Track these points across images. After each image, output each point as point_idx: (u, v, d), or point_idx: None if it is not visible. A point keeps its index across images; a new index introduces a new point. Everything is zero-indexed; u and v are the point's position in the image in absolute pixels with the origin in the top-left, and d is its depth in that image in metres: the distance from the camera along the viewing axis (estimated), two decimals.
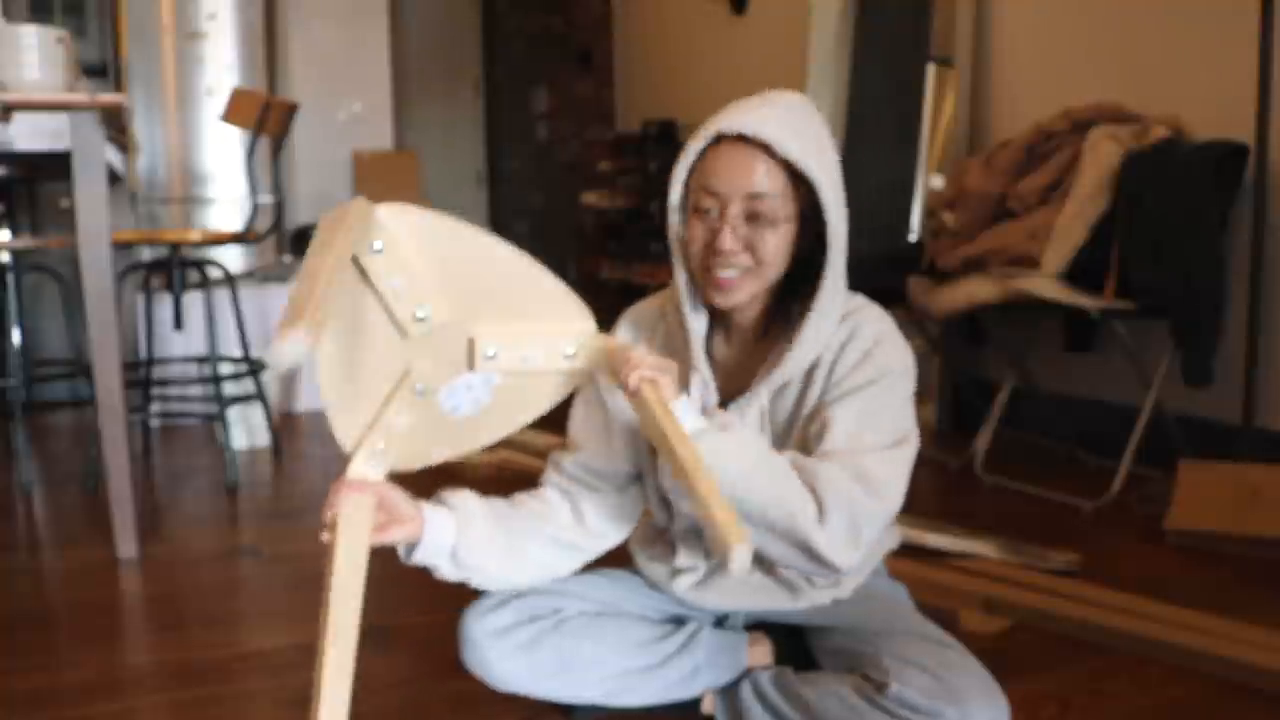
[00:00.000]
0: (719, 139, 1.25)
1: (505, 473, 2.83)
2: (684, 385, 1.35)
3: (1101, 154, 2.54)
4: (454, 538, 1.33)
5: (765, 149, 1.22)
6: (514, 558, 1.37)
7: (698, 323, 1.35)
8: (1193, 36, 2.72)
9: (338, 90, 5.33)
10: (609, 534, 1.44)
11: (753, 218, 1.24)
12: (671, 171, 1.31)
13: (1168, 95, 2.74)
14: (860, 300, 1.36)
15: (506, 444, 2.39)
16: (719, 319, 1.38)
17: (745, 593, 1.43)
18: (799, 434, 1.32)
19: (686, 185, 1.29)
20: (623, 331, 1.44)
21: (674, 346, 1.39)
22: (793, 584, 1.40)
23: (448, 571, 1.36)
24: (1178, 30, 2.76)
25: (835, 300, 1.29)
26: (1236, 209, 2.57)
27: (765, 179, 1.23)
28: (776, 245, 1.25)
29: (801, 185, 1.25)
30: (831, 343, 1.31)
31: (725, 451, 1.19)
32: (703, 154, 1.27)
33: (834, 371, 1.31)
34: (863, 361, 1.30)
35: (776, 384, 1.32)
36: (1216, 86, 2.64)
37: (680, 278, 1.33)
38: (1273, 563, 2.11)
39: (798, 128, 1.24)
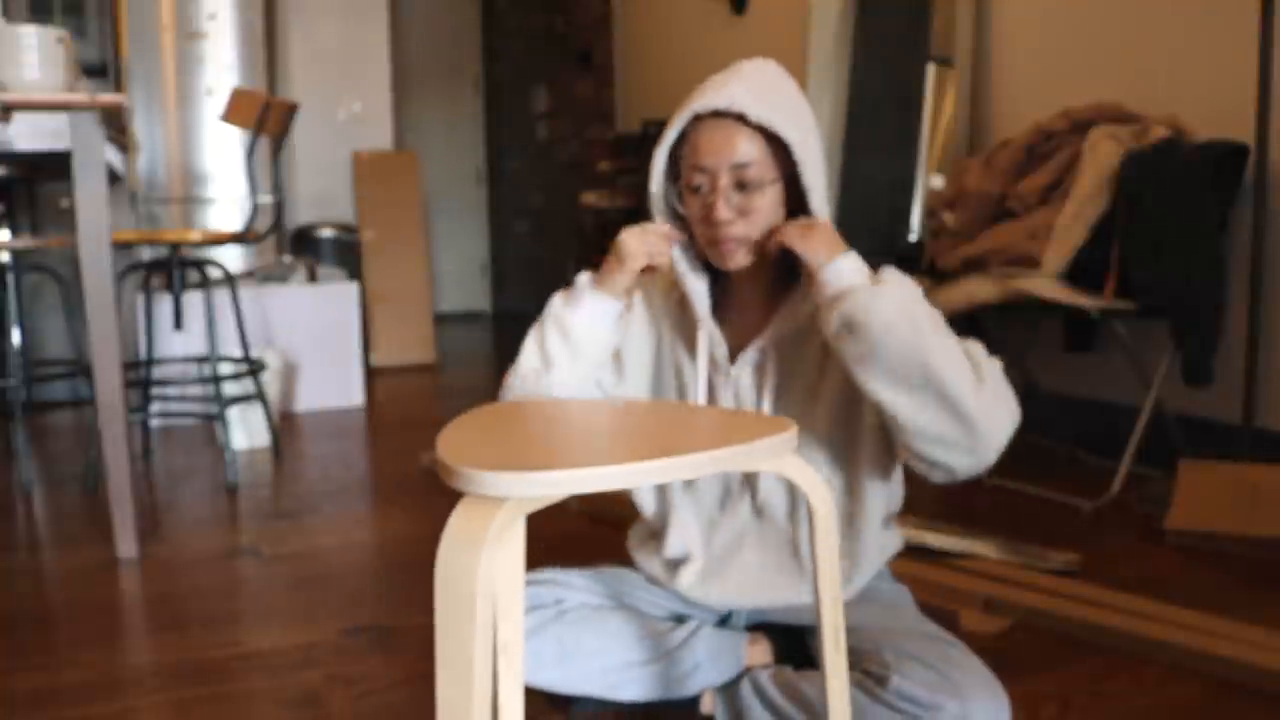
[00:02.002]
0: (697, 117, 1.33)
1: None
2: (692, 342, 1.42)
3: (1101, 154, 2.54)
4: (603, 325, 1.37)
5: (740, 118, 1.30)
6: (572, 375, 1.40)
7: (697, 283, 1.40)
8: (1193, 36, 2.72)
9: (338, 90, 5.33)
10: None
11: (741, 185, 1.31)
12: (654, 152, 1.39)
13: (1168, 95, 2.74)
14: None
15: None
16: (727, 289, 1.43)
17: (749, 585, 1.43)
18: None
19: (677, 164, 1.36)
20: (637, 296, 1.48)
21: (685, 310, 1.45)
22: (801, 569, 1.40)
23: (555, 338, 1.37)
24: (1178, 30, 2.76)
25: None
26: (1236, 209, 2.57)
27: (746, 147, 1.30)
28: (767, 207, 1.32)
29: (779, 146, 1.31)
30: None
31: (872, 309, 1.22)
32: (686, 134, 1.34)
33: None
34: None
35: (783, 331, 1.37)
36: (1216, 86, 2.64)
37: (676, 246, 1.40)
38: (1273, 563, 2.11)
39: (765, 92, 1.31)
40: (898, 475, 1.43)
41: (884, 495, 1.42)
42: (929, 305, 1.27)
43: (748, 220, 1.32)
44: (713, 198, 1.32)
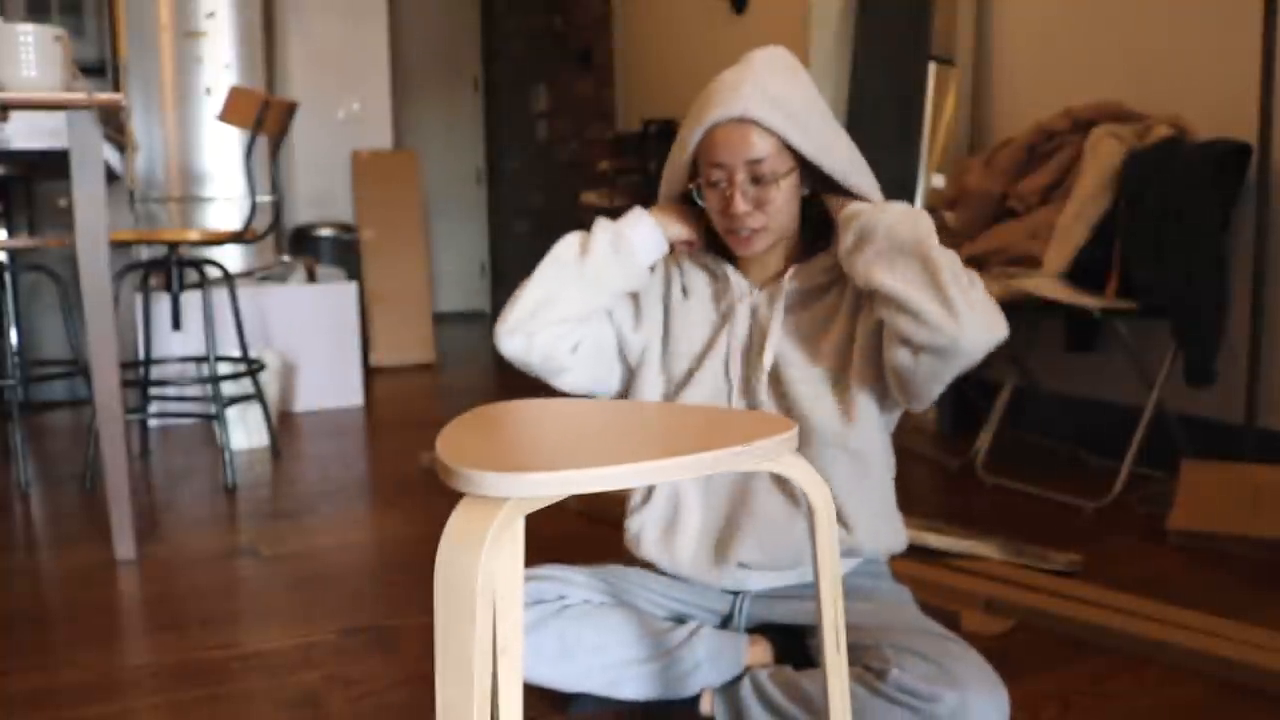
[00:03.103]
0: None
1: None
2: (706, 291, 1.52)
3: (1103, 153, 2.54)
4: (648, 253, 1.46)
5: (751, 120, 1.38)
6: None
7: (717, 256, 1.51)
8: (1195, 35, 2.72)
9: (337, 89, 5.32)
10: (572, 366, 1.48)
11: (756, 179, 1.40)
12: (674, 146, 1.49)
13: (1170, 94, 2.73)
14: None
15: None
16: (740, 268, 1.51)
17: (753, 548, 1.43)
18: (861, 324, 1.42)
19: (695, 161, 1.45)
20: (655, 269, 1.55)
21: (698, 270, 1.53)
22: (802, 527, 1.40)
23: (604, 241, 1.44)
24: (1180, 29, 2.76)
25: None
26: (1239, 208, 2.56)
27: (760, 144, 1.39)
28: (782, 198, 1.41)
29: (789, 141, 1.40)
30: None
31: (880, 218, 1.32)
32: (702, 135, 1.42)
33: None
34: None
35: (794, 287, 1.45)
36: (1219, 85, 2.64)
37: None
38: (1275, 564, 2.11)
39: (776, 92, 1.39)
40: (888, 443, 1.49)
41: (881, 442, 1.46)
42: (930, 221, 1.34)
43: (764, 211, 1.41)
44: (730, 191, 1.40)
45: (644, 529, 1.50)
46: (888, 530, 1.49)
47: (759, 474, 1.45)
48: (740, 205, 1.40)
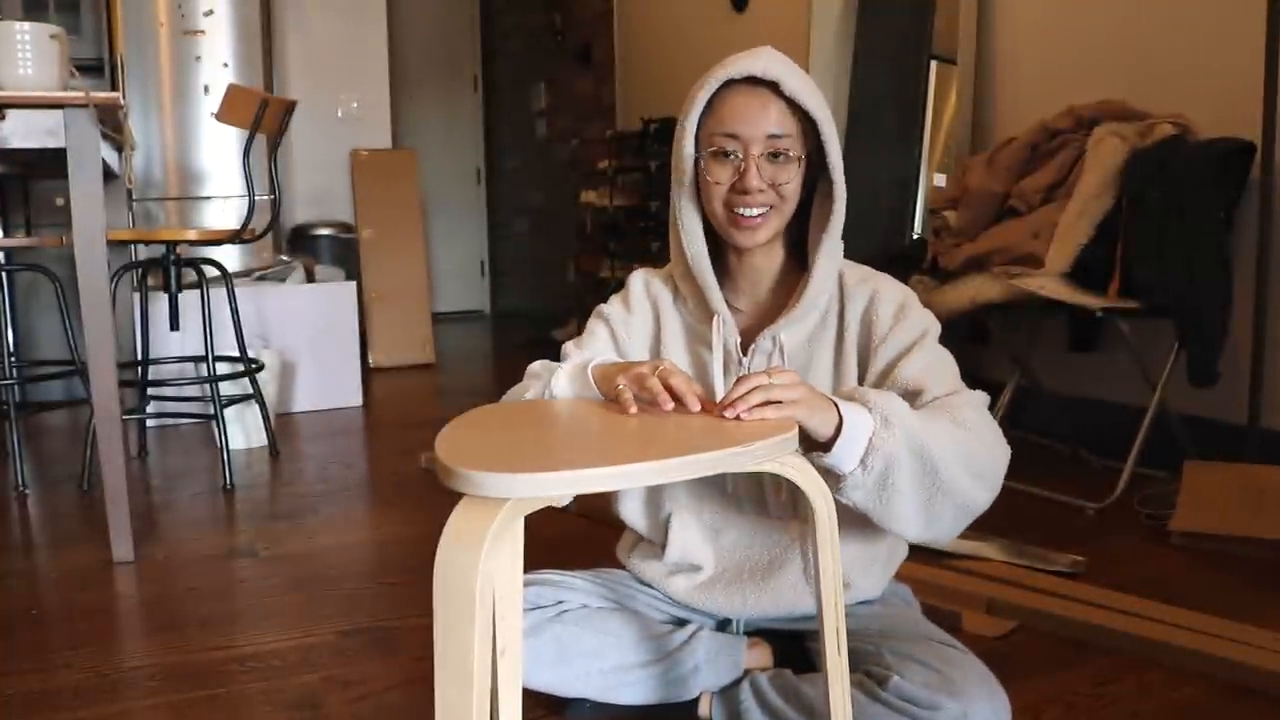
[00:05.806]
0: (727, 83, 1.29)
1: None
2: (698, 330, 1.40)
3: (1106, 152, 2.53)
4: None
5: (774, 88, 1.27)
6: None
7: (708, 270, 1.37)
8: (1198, 33, 2.71)
9: (336, 88, 5.32)
10: None
11: (774, 156, 1.29)
12: (677, 125, 1.34)
13: (1173, 93, 2.72)
14: (870, 269, 1.40)
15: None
16: (731, 272, 1.40)
17: (763, 595, 1.41)
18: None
19: (696, 134, 1.32)
20: (636, 283, 1.47)
21: (689, 303, 1.42)
22: (808, 570, 1.38)
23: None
24: (1183, 27, 2.75)
25: (839, 230, 1.34)
26: (1242, 207, 2.55)
27: (781, 119, 1.28)
28: (794, 183, 1.30)
29: (806, 126, 1.29)
30: (856, 293, 1.35)
31: (883, 504, 1.21)
32: (712, 101, 1.31)
33: (873, 326, 1.33)
34: (900, 314, 1.33)
35: (794, 327, 1.34)
36: (1222, 84, 2.63)
37: (687, 217, 1.36)
38: (1278, 564, 2.10)
39: (794, 70, 1.30)
40: None
41: None
42: (916, 419, 1.19)
43: (777, 193, 1.30)
44: (746, 164, 1.28)
45: (646, 568, 1.48)
46: (888, 568, 1.46)
47: (781, 556, 1.40)
48: (754, 180, 1.27)
